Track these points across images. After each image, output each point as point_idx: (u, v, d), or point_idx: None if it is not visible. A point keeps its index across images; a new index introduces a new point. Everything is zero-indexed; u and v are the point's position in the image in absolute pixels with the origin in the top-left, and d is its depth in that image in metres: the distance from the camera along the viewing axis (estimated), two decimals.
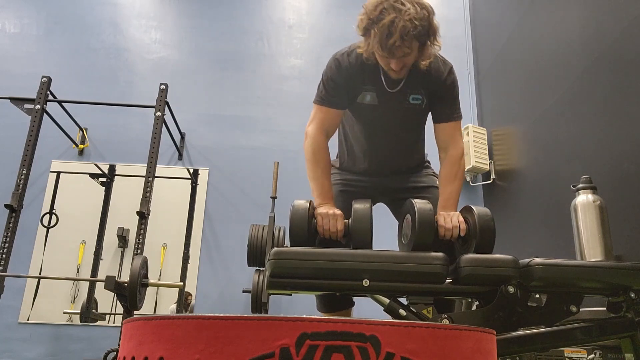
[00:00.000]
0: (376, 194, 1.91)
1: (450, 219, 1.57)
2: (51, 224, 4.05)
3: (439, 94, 1.78)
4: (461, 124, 1.87)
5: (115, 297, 3.15)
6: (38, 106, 3.34)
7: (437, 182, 1.93)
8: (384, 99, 1.78)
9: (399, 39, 1.53)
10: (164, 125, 3.52)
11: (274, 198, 3.60)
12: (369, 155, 1.91)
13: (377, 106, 1.78)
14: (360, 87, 1.77)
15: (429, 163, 2.04)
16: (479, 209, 1.56)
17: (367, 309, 1.90)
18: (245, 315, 0.73)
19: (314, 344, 0.71)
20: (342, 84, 1.77)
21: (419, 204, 1.51)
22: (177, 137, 4.31)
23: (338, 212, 1.61)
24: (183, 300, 3.94)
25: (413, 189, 1.89)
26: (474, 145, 4.17)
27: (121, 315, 3.36)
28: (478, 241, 1.51)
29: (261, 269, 3.30)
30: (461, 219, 1.57)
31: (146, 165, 3.25)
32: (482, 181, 4.36)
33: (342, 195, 1.87)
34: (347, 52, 1.78)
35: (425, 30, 1.57)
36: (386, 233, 2.10)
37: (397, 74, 1.68)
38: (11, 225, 3.07)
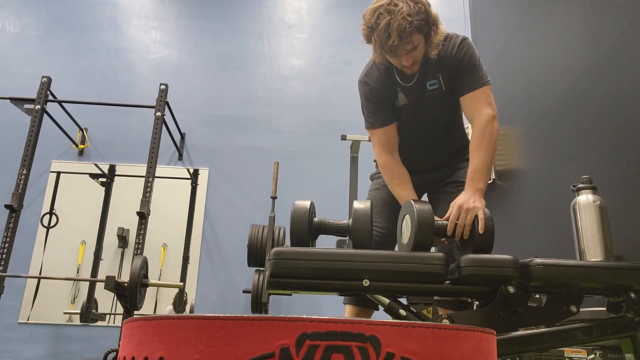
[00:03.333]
0: (421, 189, 1.98)
1: (466, 214, 1.54)
2: (51, 224, 4.05)
3: (455, 70, 1.80)
4: (489, 89, 1.80)
5: (115, 297, 3.15)
6: (38, 106, 3.34)
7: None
8: (407, 94, 1.84)
9: (397, 39, 1.60)
10: (164, 125, 3.52)
11: (274, 198, 3.60)
12: (406, 150, 1.94)
13: (406, 103, 1.86)
14: (393, 90, 1.85)
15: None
16: None
17: None
18: (245, 315, 0.73)
19: (314, 344, 0.71)
20: (379, 97, 1.85)
21: (418, 204, 1.51)
22: (177, 137, 4.31)
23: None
24: (183, 300, 3.93)
25: (450, 184, 1.94)
26: None
27: (121, 316, 3.36)
28: (477, 242, 1.51)
29: (261, 269, 3.30)
30: (481, 215, 1.52)
31: (146, 165, 3.25)
32: None
33: (385, 192, 1.95)
34: (366, 70, 1.88)
35: (424, 22, 1.63)
36: None
37: (410, 69, 1.76)
38: (11, 225, 3.07)
